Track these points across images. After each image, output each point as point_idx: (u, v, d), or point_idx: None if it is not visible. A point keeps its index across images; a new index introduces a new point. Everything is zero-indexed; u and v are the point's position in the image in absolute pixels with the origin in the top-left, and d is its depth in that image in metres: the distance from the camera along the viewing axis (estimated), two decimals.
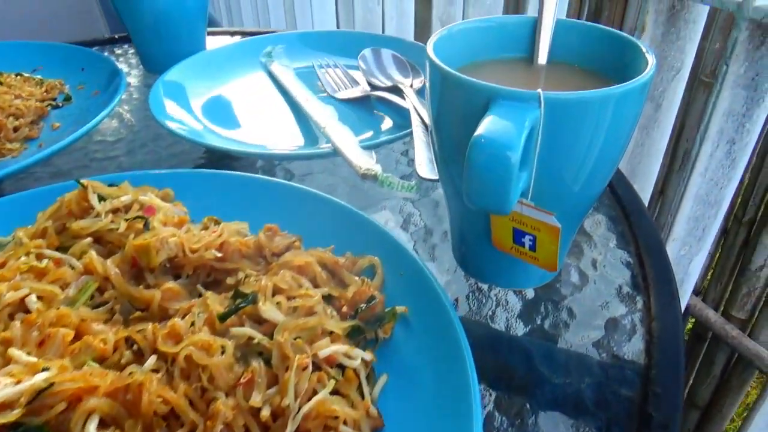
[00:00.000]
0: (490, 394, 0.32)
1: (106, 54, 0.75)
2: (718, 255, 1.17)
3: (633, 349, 0.34)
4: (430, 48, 0.33)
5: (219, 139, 0.52)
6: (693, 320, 1.12)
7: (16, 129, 0.52)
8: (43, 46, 0.69)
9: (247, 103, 0.60)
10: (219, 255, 0.35)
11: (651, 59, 0.30)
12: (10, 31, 1.43)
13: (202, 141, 0.49)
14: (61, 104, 0.59)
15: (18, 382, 0.24)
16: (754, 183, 0.81)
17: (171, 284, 0.33)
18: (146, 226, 0.36)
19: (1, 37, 0.75)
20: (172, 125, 0.50)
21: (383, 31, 0.99)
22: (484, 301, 0.38)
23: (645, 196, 0.61)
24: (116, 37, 0.79)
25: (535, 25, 0.37)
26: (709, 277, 1.12)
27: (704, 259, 0.59)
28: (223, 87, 0.63)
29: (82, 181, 0.38)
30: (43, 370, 0.25)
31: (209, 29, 0.84)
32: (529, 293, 0.38)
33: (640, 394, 0.31)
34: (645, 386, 0.32)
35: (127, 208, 0.38)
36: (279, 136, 0.54)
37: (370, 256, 0.36)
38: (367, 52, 0.63)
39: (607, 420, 0.30)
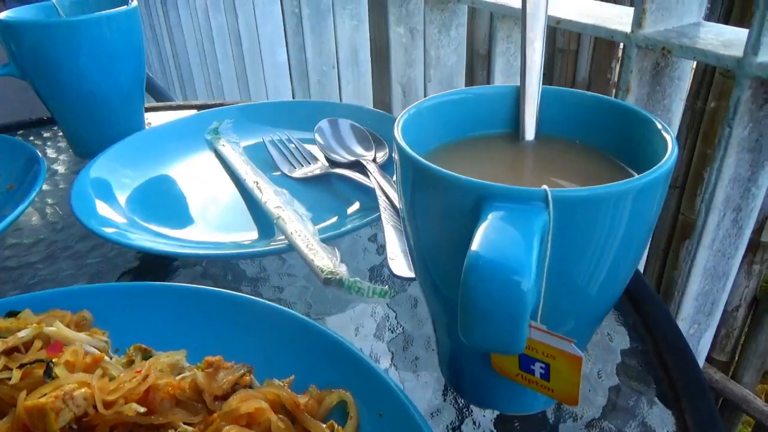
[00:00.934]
0: None
1: (31, 139, 0.68)
2: None
3: None
4: (398, 132, 0.27)
5: (154, 238, 0.44)
6: None
7: None
8: None
9: (191, 191, 0.53)
10: (142, 410, 0.26)
11: (670, 139, 0.25)
12: None
13: (132, 243, 0.42)
14: None
15: None
16: None
17: None
18: (47, 373, 0.28)
19: None
20: (98, 226, 0.43)
21: (340, 97, 0.94)
22: None
23: (647, 272, 0.56)
24: (45, 118, 0.72)
25: (518, 96, 0.31)
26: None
27: (712, 335, 0.53)
28: (162, 173, 0.55)
29: None
30: None
31: (155, 104, 0.77)
32: (538, 419, 0.31)
33: None
34: None
35: (27, 346, 0.30)
36: (227, 228, 0.47)
37: (339, 390, 0.29)
38: (323, 123, 0.57)
39: None
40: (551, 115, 0.31)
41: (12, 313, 0.32)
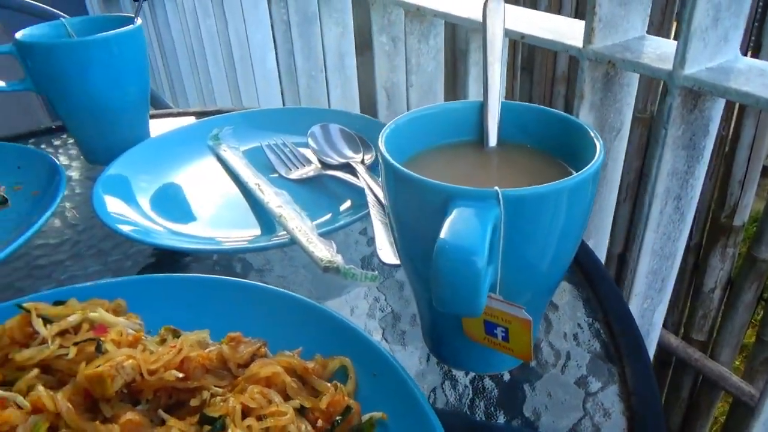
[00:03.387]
0: None
1: (43, 147, 0.73)
2: None
3: (615, 426, 0.33)
4: (382, 145, 0.33)
5: (169, 236, 0.50)
6: (656, 347, 1.14)
7: None
8: None
9: (198, 193, 0.59)
10: (180, 375, 0.32)
11: (598, 144, 0.31)
12: None
13: (151, 241, 0.47)
14: None
15: None
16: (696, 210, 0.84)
17: (130, 415, 0.31)
18: (98, 349, 0.34)
19: None
20: (119, 226, 0.48)
21: (329, 100, 1.00)
22: (460, 389, 0.37)
23: (601, 253, 0.63)
24: (53, 126, 0.77)
25: (482, 109, 0.37)
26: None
27: (665, 309, 0.60)
28: (171, 176, 0.61)
29: (24, 304, 0.35)
30: None
31: (156, 112, 0.83)
32: (505, 376, 0.38)
33: None
34: None
35: (76, 329, 0.36)
36: (234, 225, 0.53)
37: (340, 357, 0.35)
38: (315, 128, 0.63)
39: None
40: (509, 124, 0.37)
41: (59, 303, 0.38)
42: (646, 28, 0.53)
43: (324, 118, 0.65)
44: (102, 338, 0.34)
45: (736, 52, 0.47)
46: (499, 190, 0.27)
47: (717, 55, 0.45)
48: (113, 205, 0.52)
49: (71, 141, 0.75)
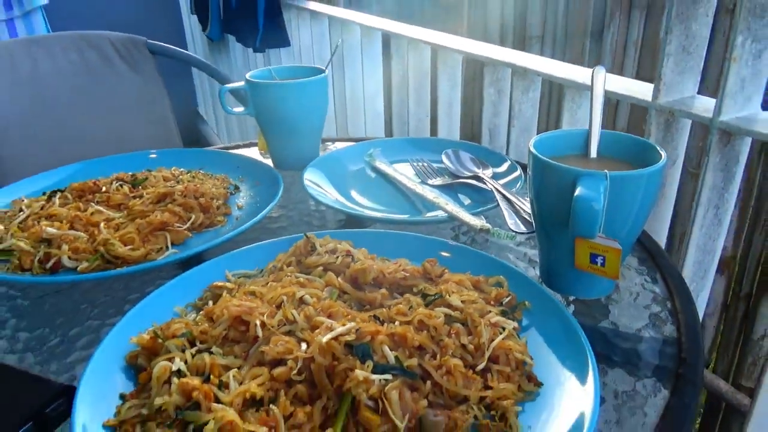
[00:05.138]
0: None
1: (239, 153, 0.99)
2: (722, 328, 1.33)
3: (669, 330, 0.54)
4: (532, 147, 0.56)
5: (357, 208, 0.74)
6: (706, 392, 1.25)
7: (218, 207, 0.74)
8: (199, 152, 0.93)
9: (364, 188, 0.83)
10: (406, 275, 0.55)
11: (663, 154, 0.54)
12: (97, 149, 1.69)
13: (344, 209, 0.72)
14: (233, 192, 0.81)
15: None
16: (745, 261, 1.01)
17: (382, 291, 0.54)
18: (352, 260, 0.57)
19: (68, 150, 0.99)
20: (325, 200, 0.73)
21: (436, 134, 1.25)
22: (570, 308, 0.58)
23: (662, 239, 0.83)
24: (241, 144, 1.04)
25: (588, 134, 0.60)
26: (716, 350, 1.29)
27: (708, 294, 0.79)
28: (345, 178, 0.86)
29: (308, 234, 0.60)
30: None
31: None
32: (601, 301, 0.59)
33: (675, 357, 0.51)
34: (678, 352, 0.52)
35: (333, 251, 0.60)
36: (391, 209, 0.77)
37: (497, 276, 0.57)
38: (448, 152, 0.87)
39: (651, 371, 0.50)
40: (603, 143, 0.59)
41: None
42: (696, 89, 0.75)
43: (451, 146, 0.89)
44: (354, 254, 0.58)
45: (758, 108, 0.68)
46: (607, 172, 0.50)
47: (743, 109, 0.67)
48: (315, 187, 0.77)
49: (260, 153, 1.01)
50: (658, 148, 0.55)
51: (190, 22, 3.48)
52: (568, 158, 0.60)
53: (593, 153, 0.60)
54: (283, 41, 2.12)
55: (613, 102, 1.64)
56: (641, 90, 0.80)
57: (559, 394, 0.44)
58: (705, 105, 0.72)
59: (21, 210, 0.70)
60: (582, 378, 0.44)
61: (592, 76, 0.60)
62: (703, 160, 0.69)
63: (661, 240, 0.82)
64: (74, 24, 2.69)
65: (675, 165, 0.78)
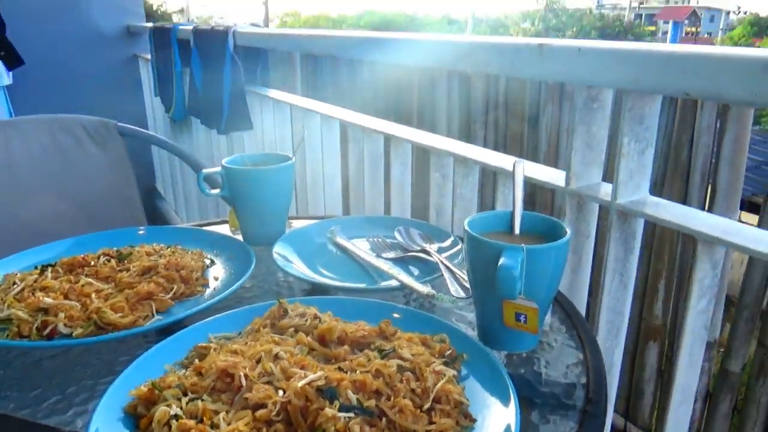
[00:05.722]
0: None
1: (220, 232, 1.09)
2: (658, 393, 1.46)
3: (580, 377, 0.66)
4: (466, 226, 0.69)
5: (320, 278, 0.85)
6: None
7: (197, 279, 0.83)
8: (177, 230, 1.03)
9: (326, 261, 0.94)
10: (365, 333, 0.66)
11: (568, 231, 0.67)
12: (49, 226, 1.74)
13: (309, 279, 0.82)
14: (209, 265, 0.91)
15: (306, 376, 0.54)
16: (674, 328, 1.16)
17: (345, 347, 0.64)
18: (319, 322, 0.67)
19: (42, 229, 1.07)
20: (293, 271, 0.83)
21: (389, 212, 1.39)
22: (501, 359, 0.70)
23: (581, 304, 0.96)
24: (217, 220, 1.14)
25: (512, 215, 0.74)
26: (655, 414, 1.41)
27: (621, 350, 0.92)
28: (310, 252, 0.97)
29: (281, 300, 0.70)
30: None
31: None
32: (525, 355, 0.70)
33: (584, 398, 0.62)
34: (587, 394, 0.63)
35: (303, 314, 0.70)
36: (357, 279, 0.88)
37: (441, 334, 0.68)
38: (400, 228, 0.99)
39: (565, 409, 0.61)
40: (524, 222, 0.73)
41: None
42: (601, 177, 0.91)
43: (402, 223, 1.02)
44: (320, 317, 0.68)
45: (646, 193, 0.84)
46: (524, 246, 0.63)
47: (634, 194, 0.83)
48: (283, 261, 0.88)
49: (231, 231, 1.11)
50: (565, 226, 0.69)
51: (153, 103, 3.62)
52: (496, 234, 0.73)
53: (516, 230, 0.73)
54: (246, 125, 2.27)
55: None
56: (557, 176, 0.96)
57: (487, 427, 0.55)
58: (606, 190, 0.88)
59: (15, 283, 0.78)
60: (507, 415, 0.55)
61: (513, 168, 0.75)
62: (606, 236, 0.84)
63: (581, 304, 0.96)
64: (36, 104, 2.79)
65: (588, 239, 0.93)
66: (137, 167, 1.89)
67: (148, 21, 3.86)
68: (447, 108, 2.35)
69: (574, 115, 0.86)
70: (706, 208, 2.12)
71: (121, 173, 1.85)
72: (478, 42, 0.98)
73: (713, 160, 1.96)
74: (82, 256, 0.83)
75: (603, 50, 0.77)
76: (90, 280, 0.77)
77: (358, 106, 1.53)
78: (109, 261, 0.83)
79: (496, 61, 0.92)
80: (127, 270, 0.80)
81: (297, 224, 1.10)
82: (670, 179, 2.01)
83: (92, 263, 0.82)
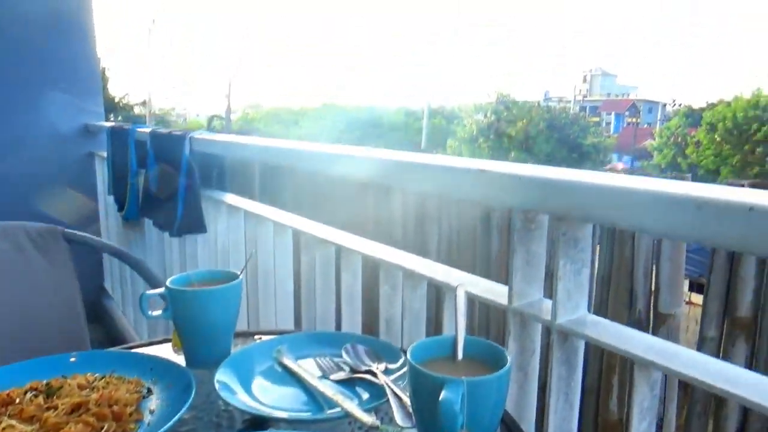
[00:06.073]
0: None
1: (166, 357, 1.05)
2: None
3: None
4: (408, 355, 0.69)
5: (259, 407, 0.82)
6: None
7: (130, 414, 0.79)
8: (113, 355, 0.99)
9: (272, 382, 0.91)
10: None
11: (509, 358, 0.68)
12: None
13: (257, 413, 0.79)
14: (146, 395, 0.87)
15: None
16: None
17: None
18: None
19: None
20: (236, 402, 0.80)
21: (340, 327, 1.37)
22: None
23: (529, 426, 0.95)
24: (160, 339, 1.10)
25: (455, 341, 0.74)
26: None
27: None
28: (256, 374, 0.94)
29: None
30: None
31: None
32: None
33: None
34: None
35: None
36: (301, 406, 0.85)
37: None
38: (348, 347, 0.98)
39: None
40: (467, 347, 0.73)
41: None
42: (542, 293, 0.94)
43: (350, 340, 1.01)
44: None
45: (585, 311, 0.87)
46: (464, 379, 0.63)
47: (573, 313, 0.85)
48: (224, 390, 0.85)
49: (173, 352, 1.07)
50: (506, 353, 0.69)
51: (106, 201, 3.58)
52: (439, 361, 0.73)
53: (459, 356, 0.73)
54: (200, 228, 2.26)
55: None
56: (501, 292, 0.98)
57: None
58: (547, 307, 0.90)
59: None
60: None
61: (456, 293, 0.76)
62: (550, 355, 0.85)
63: (530, 420, 0.95)
64: None
65: (534, 355, 0.94)
66: (85, 267, 1.84)
67: (109, 113, 3.90)
68: (403, 226, 2.43)
69: (513, 235, 0.90)
70: (652, 304, 2.19)
71: (64, 278, 1.80)
72: (421, 163, 1.02)
73: (654, 262, 2.07)
74: (7, 392, 0.78)
75: (539, 179, 0.82)
76: (12, 422, 0.72)
77: (316, 213, 1.56)
78: (36, 397, 0.78)
79: (436, 183, 0.97)
80: (55, 408, 0.76)
81: (244, 342, 1.08)
82: (616, 279, 2.09)
83: (17, 400, 0.77)
